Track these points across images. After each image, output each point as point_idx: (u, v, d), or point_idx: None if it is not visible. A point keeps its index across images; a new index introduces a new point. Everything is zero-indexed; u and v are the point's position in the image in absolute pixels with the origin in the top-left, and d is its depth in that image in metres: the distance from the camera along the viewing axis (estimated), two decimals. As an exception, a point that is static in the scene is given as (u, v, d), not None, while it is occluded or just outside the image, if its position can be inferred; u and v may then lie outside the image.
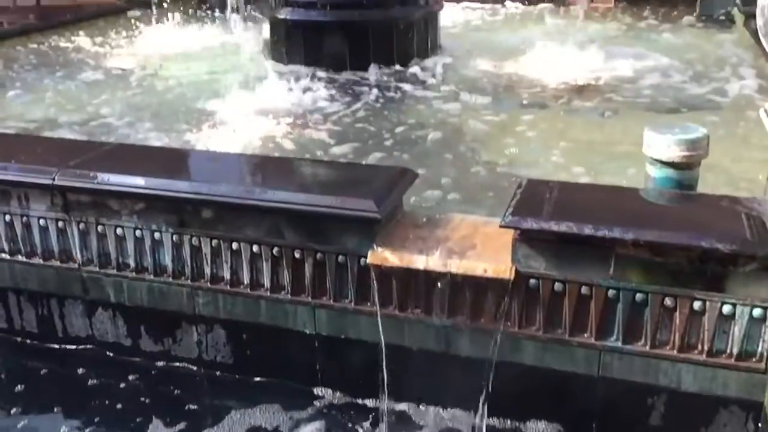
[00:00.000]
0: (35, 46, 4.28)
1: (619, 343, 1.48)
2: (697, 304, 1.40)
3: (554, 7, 5.25)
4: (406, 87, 3.25)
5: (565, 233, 1.41)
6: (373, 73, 3.42)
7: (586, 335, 1.50)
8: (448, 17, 4.52)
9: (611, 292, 1.45)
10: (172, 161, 1.96)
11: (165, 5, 4.95)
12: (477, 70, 3.59)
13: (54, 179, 1.74)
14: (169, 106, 3.03)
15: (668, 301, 1.41)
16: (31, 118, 3.00)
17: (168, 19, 4.87)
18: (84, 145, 2.16)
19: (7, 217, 1.86)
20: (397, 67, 3.56)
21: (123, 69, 3.81)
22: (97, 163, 1.80)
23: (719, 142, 2.13)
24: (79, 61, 3.98)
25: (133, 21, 4.97)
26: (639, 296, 1.43)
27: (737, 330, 1.39)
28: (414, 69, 3.53)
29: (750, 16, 3.97)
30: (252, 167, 1.97)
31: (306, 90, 3.16)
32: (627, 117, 2.83)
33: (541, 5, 5.32)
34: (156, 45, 4.35)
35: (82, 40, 4.42)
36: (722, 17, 4.54)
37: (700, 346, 1.43)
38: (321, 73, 3.49)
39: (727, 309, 1.38)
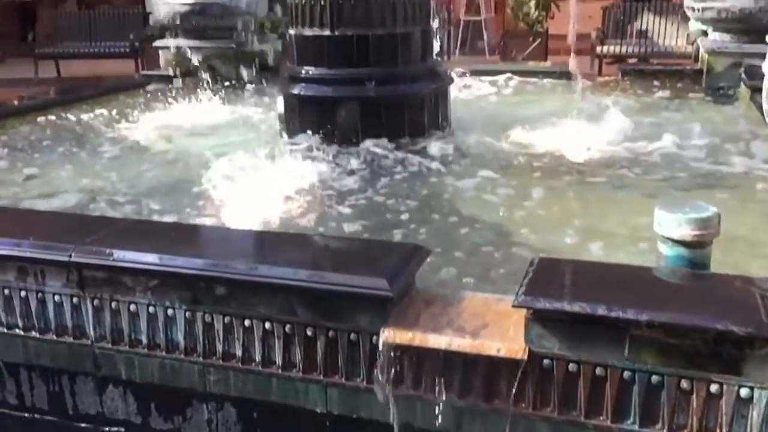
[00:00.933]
0: (54, 119, 4.38)
1: (636, 426, 1.45)
2: (714, 387, 1.38)
3: (563, 79, 5.37)
4: (417, 162, 3.29)
5: (579, 314, 1.41)
6: (384, 147, 3.47)
7: (601, 417, 1.47)
8: (458, 89, 4.61)
9: (626, 374, 1.43)
10: (187, 237, 1.99)
11: (183, 79, 5.10)
12: (488, 144, 3.65)
13: (71, 256, 1.77)
14: (182, 181, 3.08)
15: (685, 384, 1.39)
16: (42, 192, 3.05)
17: (185, 93, 5.01)
18: (100, 221, 2.20)
19: (23, 293, 1.88)
20: (409, 141, 3.61)
21: (138, 143, 3.90)
22: (113, 239, 1.83)
23: (735, 216, 2.15)
24: (95, 135, 4.07)
25: (151, 95, 5.11)
26: (655, 378, 1.41)
27: (755, 414, 1.37)
28: (425, 143, 3.58)
29: (756, 91, 4.03)
30: (265, 243, 1.99)
31: (318, 164, 3.21)
32: (639, 192, 2.85)
33: (550, 78, 5.44)
34: (173, 119, 4.46)
35: (100, 114, 4.54)
36: (729, 91, 4.61)
37: (718, 430, 1.40)
38: (333, 147, 3.54)
39: (744, 392, 1.36)
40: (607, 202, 2.80)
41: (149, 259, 1.73)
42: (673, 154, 3.33)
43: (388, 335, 1.56)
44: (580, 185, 3.00)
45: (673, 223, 1.60)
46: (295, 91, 3.80)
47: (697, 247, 1.61)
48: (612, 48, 9.03)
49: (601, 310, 1.39)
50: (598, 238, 2.34)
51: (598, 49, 8.96)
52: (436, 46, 4.15)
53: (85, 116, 4.47)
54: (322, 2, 3.68)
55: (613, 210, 2.71)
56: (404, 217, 2.66)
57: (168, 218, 2.62)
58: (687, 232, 1.59)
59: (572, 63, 4.55)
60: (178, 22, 6.00)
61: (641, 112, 4.08)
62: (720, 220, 1.60)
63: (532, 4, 9.78)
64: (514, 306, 1.46)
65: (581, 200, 2.82)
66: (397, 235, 2.45)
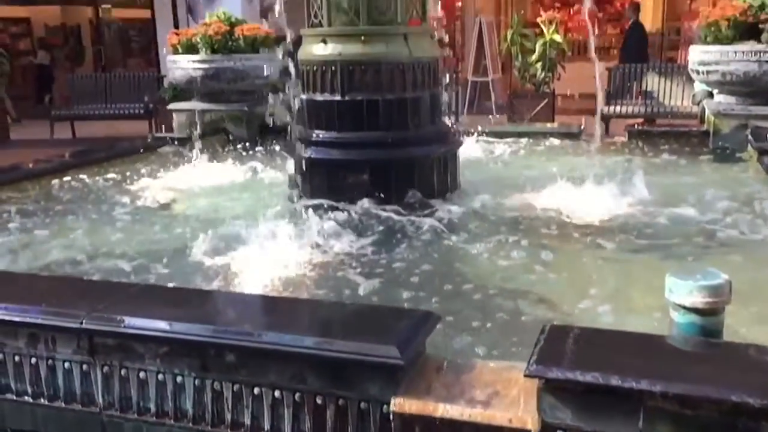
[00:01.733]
0: (68, 181, 4.44)
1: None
2: (731, 460, 1.35)
3: (571, 140, 5.43)
4: (428, 225, 3.30)
5: (592, 384, 1.39)
6: (394, 210, 3.49)
7: (615, 491, 1.44)
8: (467, 151, 4.65)
9: (642, 446, 1.40)
10: (197, 303, 1.99)
11: (195, 141, 5.19)
12: (498, 205, 3.67)
13: (82, 323, 1.77)
14: (190, 245, 3.07)
15: (701, 456, 1.37)
16: (51, 257, 3.06)
17: (198, 155, 5.08)
18: (111, 287, 2.21)
19: (33, 360, 1.88)
20: (419, 204, 3.64)
21: (149, 205, 3.94)
22: (124, 306, 1.84)
23: (748, 281, 2.13)
24: (107, 198, 4.11)
25: (163, 157, 5.19)
26: (670, 450, 1.38)
27: (773, 489, 1.33)
28: (435, 206, 3.60)
29: (763, 152, 4.06)
30: (274, 309, 1.99)
31: (328, 227, 3.22)
32: (651, 256, 2.84)
33: (559, 139, 5.50)
34: (184, 180, 4.51)
35: (112, 177, 4.60)
36: (736, 154, 4.64)
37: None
38: (343, 210, 3.56)
39: (762, 466, 1.33)
40: (619, 266, 2.79)
41: (159, 326, 1.74)
42: (683, 217, 3.33)
43: (399, 404, 1.54)
44: (592, 249, 3.00)
45: (684, 291, 1.59)
46: (306, 154, 3.85)
47: (710, 314, 1.60)
48: (618, 108, 9.14)
49: (614, 381, 1.37)
50: (611, 304, 2.33)
51: (604, 109, 9.07)
52: (445, 107, 4.22)
53: (98, 179, 4.53)
54: (333, 68, 3.77)
55: (625, 275, 2.69)
56: (415, 281, 2.65)
57: (176, 283, 2.62)
58: (699, 300, 1.58)
59: (590, 124, 4.58)
60: (192, 85, 6.15)
61: (650, 173, 4.10)
62: (731, 288, 1.60)
63: (539, 65, 9.95)
64: (525, 375, 1.44)
65: (593, 265, 2.81)
66: (408, 301, 2.44)
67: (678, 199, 3.56)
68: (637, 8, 11.82)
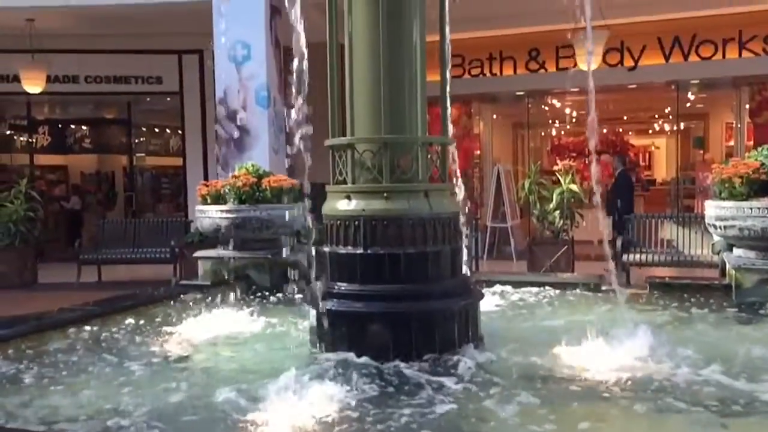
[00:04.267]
0: (90, 330, 4.45)
1: None
2: None
3: (592, 291, 5.42)
4: (451, 383, 3.24)
5: None
6: (415, 366, 3.46)
7: None
8: (487, 300, 4.65)
9: None
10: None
11: (219, 289, 5.25)
12: (520, 362, 3.61)
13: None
14: (204, 403, 3.00)
15: None
16: (60, 416, 3.00)
17: (221, 303, 5.13)
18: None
19: None
20: (440, 358, 3.61)
21: (167, 358, 3.92)
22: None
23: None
24: (126, 349, 4.09)
25: (186, 305, 5.24)
26: None
27: None
28: (457, 361, 3.56)
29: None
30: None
31: (349, 382, 3.19)
32: (686, 422, 2.74)
33: (579, 290, 5.49)
34: (205, 330, 4.52)
35: (135, 326, 4.63)
36: (760, 309, 4.59)
37: None
38: (365, 364, 3.53)
39: None
40: (650, 427, 2.69)
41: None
42: (714, 378, 3.22)
43: None
44: (622, 412, 2.90)
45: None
46: (328, 306, 3.88)
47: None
48: (638, 256, 9.18)
49: None
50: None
51: (624, 257, 9.12)
52: (464, 254, 4.27)
53: (120, 328, 4.55)
54: (357, 223, 3.89)
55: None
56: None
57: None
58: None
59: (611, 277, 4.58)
60: (218, 234, 6.32)
61: (675, 328, 4.05)
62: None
63: (557, 214, 10.13)
64: None
65: (622, 424, 2.72)
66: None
67: (711, 357, 3.48)
68: (623, 159, 12.24)
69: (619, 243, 9.33)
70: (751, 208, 4.62)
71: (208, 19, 9.67)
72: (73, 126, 16.91)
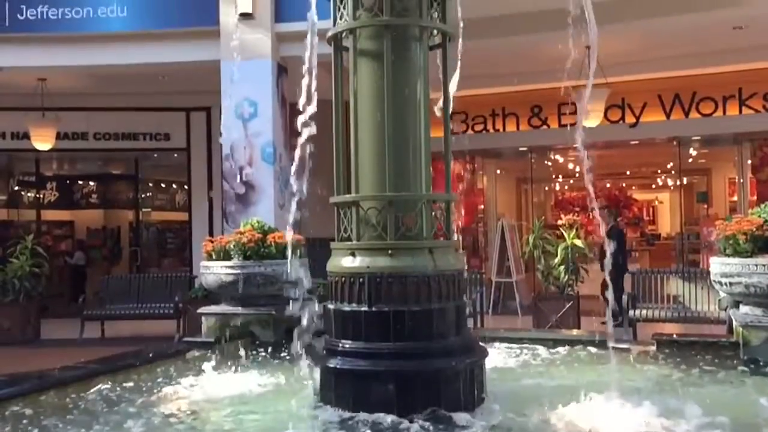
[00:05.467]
0: (91, 388, 4.40)
1: None
2: None
3: (599, 348, 5.36)
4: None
5: None
6: (418, 426, 3.41)
7: None
8: (492, 357, 4.60)
9: None
10: None
11: (223, 346, 5.22)
12: (525, 421, 3.56)
13: None
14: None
15: None
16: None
17: (224, 360, 5.09)
18: None
19: None
20: (445, 417, 3.56)
21: (168, 419, 3.86)
22: None
23: None
24: (126, 409, 4.03)
25: (190, 362, 5.20)
26: None
27: None
28: (462, 420, 3.52)
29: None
30: None
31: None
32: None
33: (585, 346, 5.44)
34: (209, 389, 4.48)
35: (136, 384, 4.58)
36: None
37: None
38: (368, 420, 3.50)
39: None
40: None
41: None
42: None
43: None
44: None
45: None
46: (332, 364, 3.86)
47: None
48: (644, 312, 9.12)
49: None
50: None
51: (631, 313, 9.06)
52: (469, 309, 4.24)
53: (121, 386, 4.51)
54: (361, 280, 3.89)
55: None
56: None
57: None
58: None
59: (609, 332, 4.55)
60: (223, 290, 6.32)
61: (683, 387, 3.99)
62: None
63: (561, 269, 10.11)
64: None
65: None
66: None
67: (720, 417, 3.41)
68: (615, 214, 12.29)
69: (625, 298, 9.29)
70: (756, 265, 4.62)
71: (216, 78, 9.87)
72: (80, 182, 17.08)
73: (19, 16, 10.33)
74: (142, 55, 10.44)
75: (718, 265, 4.93)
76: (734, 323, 5.00)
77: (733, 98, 12.40)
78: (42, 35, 10.38)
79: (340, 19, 4.09)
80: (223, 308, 6.35)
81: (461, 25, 4.44)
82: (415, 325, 3.83)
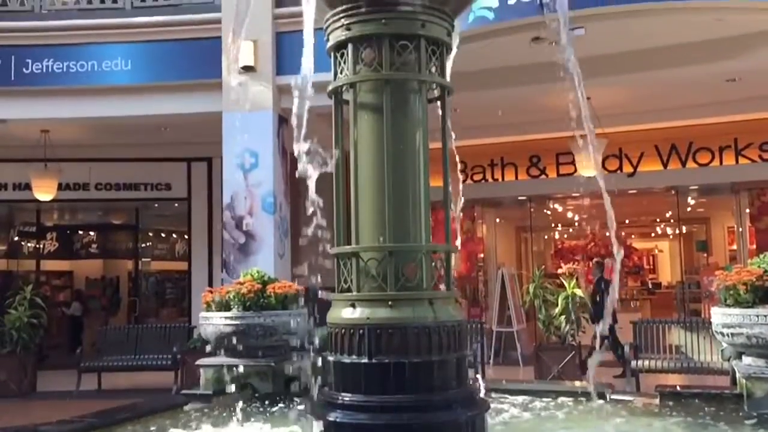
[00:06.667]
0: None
1: None
2: None
3: (603, 400, 5.29)
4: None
5: None
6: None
7: None
8: (494, 411, 4.55)
9: None
10: None
11: (221, 398, 5.16)
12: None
13: None
14: None
15: None
16: None
17: (222, 413, 5.02)
18: None
19: None
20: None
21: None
22: None
23: None
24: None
25: (188, 415, 5.13)
26: None
27: None
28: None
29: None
30: None
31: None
32: None
33: (588, 398, 5.37)
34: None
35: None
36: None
37: None
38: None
39: None
40: None
41: None
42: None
43: None
44: None
45: None
46: (332, 417, 3.80)
47: None
48: (647, 362, 9.03)
49: None
50: None
51: (633, 363, 8.98)
52: (470, 359, 4.20)
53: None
54: (361, 332, 3.86)
55: None
56: None
57: None
58: None
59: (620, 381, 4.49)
60: (222, 341, 6.27)
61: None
62: None
63: (562, 318, 10.05)
64: None
65: None
66: None
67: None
68: (601, 266, 12.31)
69: (627, 349, 9.22)
70: (757, 316, 4.60)
71: (217, 129, 10.00)
72: (80, 231, 17.13)
73: (24, 69, 10.51)
74: (145, 107, 10.59)
75: (719, 316, 4.91)
76: (737, 374, 4.96)
77: (729, 148, 12.53)
78: (47, 88, 10.54)
79: (341, 73, 4.16)
80: (221, 360, 6.29)
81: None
82: (416, 377, 3.79)
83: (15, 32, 10.61)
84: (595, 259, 13.18)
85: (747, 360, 4.94)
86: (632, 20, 8.48)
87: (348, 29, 4.03)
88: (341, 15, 4.05)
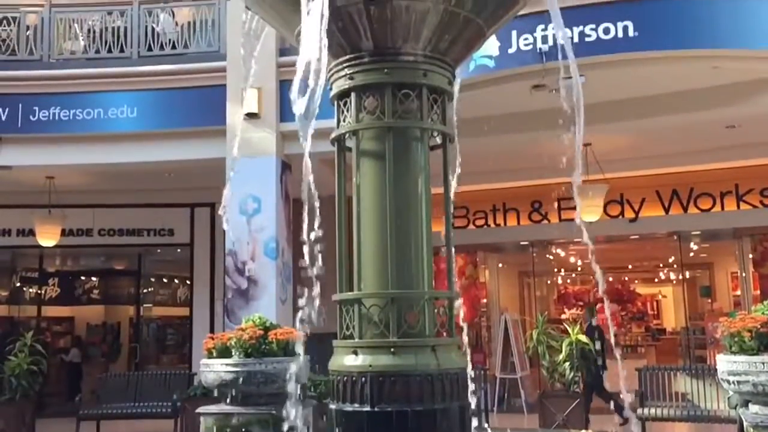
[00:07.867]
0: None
1: None
2: None
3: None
4: None
5: None
6: None
7: None
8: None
9: None
10: None
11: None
12: None
13: None
14: None
15: None
16: None
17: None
18: None
19: None
20: None
21: None
22: None
23: None
24: None
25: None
26: None
27: None
28: None
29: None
30: None
31: None
32: None
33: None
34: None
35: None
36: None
37: None
38: None
39: None
40: None
41: None
42: None
43: None
44: None
45: None
46: (332, 467, 3.76)
47: None
48: (653, 410, 8.90)
49: None
50: None
51: (639, 411, 8.85)
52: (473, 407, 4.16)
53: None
54: (363, 379, 3.84)
55: None
56: None
57: None
58: None
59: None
60: (223, 388, 6.22)
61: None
62: None
63: (567, 365, 9.95)
64: None
65: None
66: None
67: None
68: (592, 311, 12.26)
69: (632, 396, 9.10)
70: (763, 363, 4.56)
71: (220, 175, 10.04)
72: (82, 277, 17.10)
73: (31, 117, 10.65)
74: (150, 153, 10.69)
75: (724, 363, 4.86)
76: (745, 423, 4.89)
77: (730, 194, 12.57)
78: (53, 135, 10.66)
79: (343, 120, 4.21)
80: (222, 408, 6.23)
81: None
82: (419, 426, 3.75)
83: (23, 81, 10.78)
84: (588, 306, 13.14)
85: (754, 408, 4.87)
86: (632, 68, 8.61)
87: (351, 78, 4.10)
88: (344, 65, 4.12)
